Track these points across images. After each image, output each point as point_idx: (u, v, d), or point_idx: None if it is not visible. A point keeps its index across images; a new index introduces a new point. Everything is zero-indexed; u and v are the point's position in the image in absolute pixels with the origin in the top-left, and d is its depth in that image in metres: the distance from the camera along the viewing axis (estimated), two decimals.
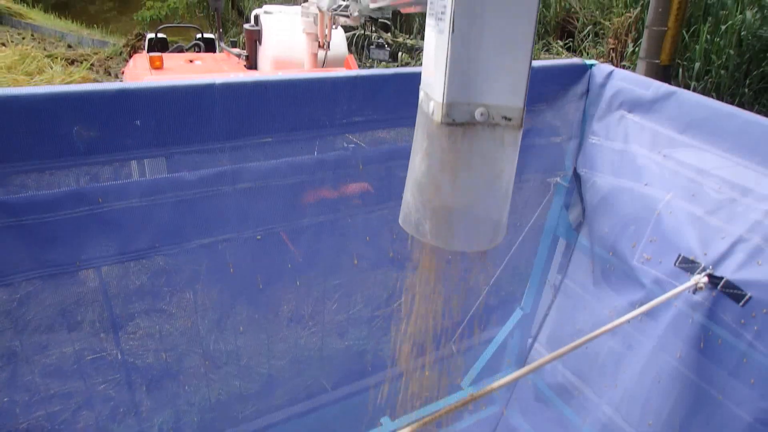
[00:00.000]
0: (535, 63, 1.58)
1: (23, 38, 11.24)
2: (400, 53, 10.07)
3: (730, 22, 6.32)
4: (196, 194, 1.36)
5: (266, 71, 4.38)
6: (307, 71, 3.86)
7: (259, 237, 1.48)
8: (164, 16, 14.80)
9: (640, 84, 1.76)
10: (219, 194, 1.39)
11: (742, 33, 6.31)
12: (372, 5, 2.20)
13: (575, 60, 1.91)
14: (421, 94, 0.87)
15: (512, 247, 2.16)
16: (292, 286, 1.67)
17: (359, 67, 5.27)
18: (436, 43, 0.77)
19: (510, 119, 0.75)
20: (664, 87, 1.68)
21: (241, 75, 1.32)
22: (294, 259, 1.56)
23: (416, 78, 1.57)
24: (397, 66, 9.40)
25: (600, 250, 1.82)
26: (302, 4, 3.93)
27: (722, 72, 6.37)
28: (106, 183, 1.25)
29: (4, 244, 1.15)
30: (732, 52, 6.30)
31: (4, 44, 9.15)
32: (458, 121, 0.75)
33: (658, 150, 1.63)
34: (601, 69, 1.88)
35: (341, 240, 1.64)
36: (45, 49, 9.94)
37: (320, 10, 3.58)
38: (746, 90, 6.34)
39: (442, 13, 0.74)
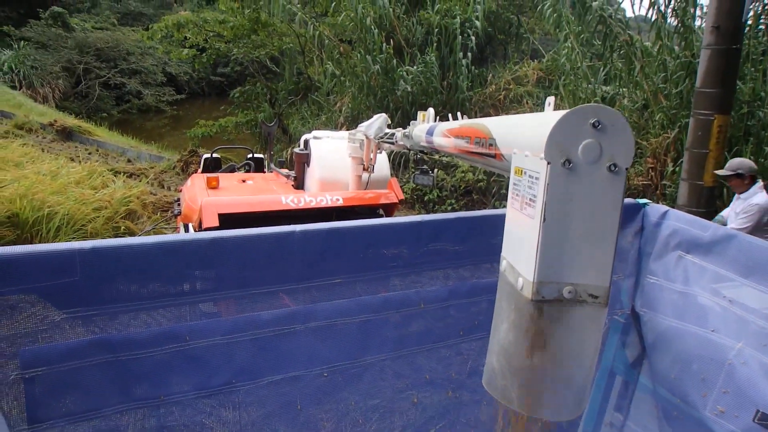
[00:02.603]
0: None
1: (89, 153, 12.15)
2: (436, 170, 10.40)
3: None
4: (271, 333, 1.42)
5: (313, 191, 4.57)
6: (351, 193, 4.03)
7: (325, 375, 1.51)
8: (214, 133, 15.86)
9: (696, 225, 1.78)
10: (291, 333, 1.45)
11: None
12: (423, 144, 2.36)
13: (628, 200, 1.98)
14: (504, 263, 0.94)
15: None
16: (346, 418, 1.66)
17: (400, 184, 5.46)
18: (523, 224, 0.85)
19: (597, 297, 0.80)
20: (722, 230, 1.70)
21: (315, 225, 1.43)
22: (357, 398, 1.58)
23: (475, 222, 1.68)
24: (435, 181, 9.68)
25: (666, 393, 1.77)
26: (350, 132, 4.20)
27: None
28: (193, 322, 1.33)
29: (102, 378, 1.22)
30: None
31: (73, 159, 9.91)
32: (547, 298, 0.80)
33: (722, 294, 1.62)
34: (655, 209, 1.93)
35: (401, 378, 1.66)
36: (108, 163, 10.70)
37: (367, 137, 3.82)
38: None
39: (531, 200, 0.82)
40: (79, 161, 9.89)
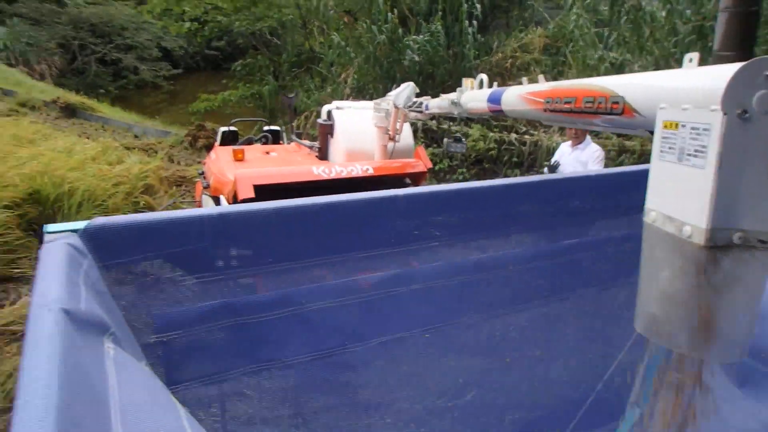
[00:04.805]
0: None
1: (96, 130, 12.07)
2: (445, 139, 10.31)
3: None
4: (376, 295, 1.46)
5: (338, 161, 4.58)
6: (380, 162, 4.04)
7: (427, 335, 1.56)
8: (217, 107, 15.71)
9: None
10: (394, 295, 1.49)
11: None
12: (479, 110, 2.37)
13: None
14: (653, 214, 0.97)
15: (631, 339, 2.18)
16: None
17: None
18: (686, 175, 0.88)
19: (766, 242, 0.84)
20: None
21: (417, 189, 1.45)
22: (458, 356, 1.63)
23: (562, 185, 1.70)
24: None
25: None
26: (375, 101, 4.19)
27: None
28: (308, 286, 1.36)
29: (229, 342, 1.27)
30: None
31: (80, 136, 9.85)
32: (719, 244, 0.84)
33: None
34: None
35: (494, 339, 1.71)
36: (115, 140, 10.63)
37: (396, 107, 3.81)
38: None
39: (698, 150, 0.85)
40: (87, 137, 9.84)
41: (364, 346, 1.46)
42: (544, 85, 1.63)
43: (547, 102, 1.55)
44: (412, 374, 1.56)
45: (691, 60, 0.98)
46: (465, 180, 9.35)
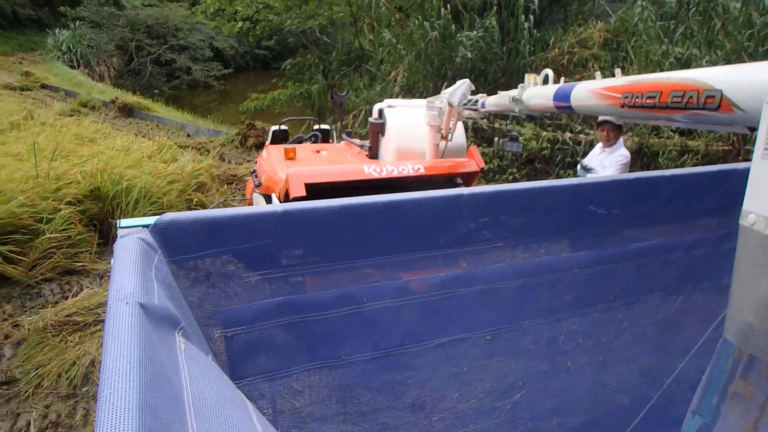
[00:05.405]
0: None
1: (151, 129, 12.47)
2: (496, 138, 10.05)
3: None
4: (437, 296, 1.43)
5: (389, 160, 4.54)
6: (431, 162, 3.98)
7: (488, 338, 1.51)
8: (266, 106, 15.93)
9: None
10: (455, 296, 1.45)
11: None
12: (543, 107, 2.29)
13: None
14: (752, 217, 0.90)
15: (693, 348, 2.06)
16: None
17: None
18: None
19: None
20: None
21: (480, 188, 1.40)
22: (515, 358, 1.58)
23: (632, 186, 1.62)
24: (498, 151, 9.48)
25: None
26: (428, 99, 4.13)
27: None
28: (369, 284, 1.34)
29: (292, 338, 1.25)
30: None
31: (136, 135, 10.21)
32: None
33: None
34: None
35: (553, 342, 1.64)
36: (169, 138, 10.94)
37: (450, 105, 3.75)
38: None
39: None
40: (143, 136, 10.17)
41: (423, 346, 1.43)
42: (621, 79, 1.54)
43: (626, 97, 1.47)
44: (463, 374, 1.52)
45: None
46: (515, 180, 9.18)
